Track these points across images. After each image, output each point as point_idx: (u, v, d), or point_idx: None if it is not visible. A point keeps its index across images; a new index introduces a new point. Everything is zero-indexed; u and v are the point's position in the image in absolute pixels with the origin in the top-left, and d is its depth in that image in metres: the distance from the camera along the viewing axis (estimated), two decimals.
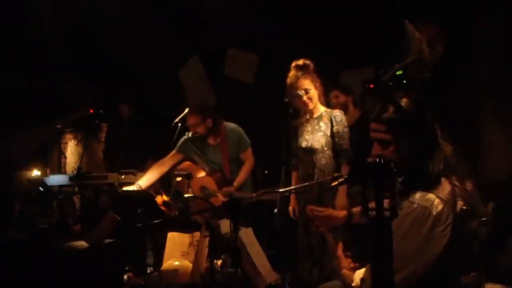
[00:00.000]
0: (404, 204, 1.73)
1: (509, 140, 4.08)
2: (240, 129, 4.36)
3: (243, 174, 4.26)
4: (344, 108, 4.34)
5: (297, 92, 3.61)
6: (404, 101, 1.87)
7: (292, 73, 3.70)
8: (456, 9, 4.25)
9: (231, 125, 4.36)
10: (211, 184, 4.19)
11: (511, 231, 3.67)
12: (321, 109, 3.76)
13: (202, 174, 4.28)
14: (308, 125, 3.76)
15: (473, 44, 4.27)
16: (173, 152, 4.38)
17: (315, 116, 3.74)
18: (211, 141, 4.30)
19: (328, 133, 3.67)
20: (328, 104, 3.93)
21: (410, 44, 4.34)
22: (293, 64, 3.71)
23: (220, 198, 4.12)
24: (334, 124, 3.65)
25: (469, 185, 1.84)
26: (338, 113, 3.71)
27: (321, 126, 3.69)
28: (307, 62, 3.69)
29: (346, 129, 3.66)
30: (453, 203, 1.75)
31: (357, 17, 4.72)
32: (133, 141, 5.51)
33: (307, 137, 3.72)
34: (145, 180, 4.27)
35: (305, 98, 3.65)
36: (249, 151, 4.33)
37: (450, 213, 1.73)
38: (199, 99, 6.12)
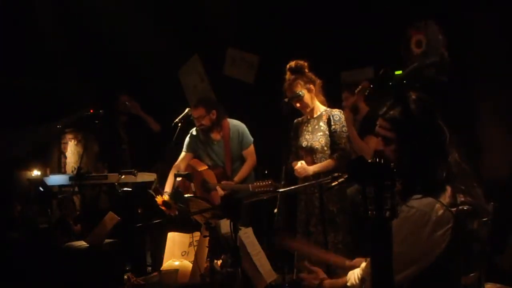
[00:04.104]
0: (404, 208, 1.70)
1: (509, 140, 4.08)
2: (243, 126, 4.43)
3: (244, 170, 4.31)
4: (355, 109, 4.32)
5: (288, 98, 3.62)
6: (414, 103, 1.83)
7: (286, 76, 3.71)
8: (456, 9, 4.25)
9: (234, 121, 4.44)
10: (212, 178, 4.25)
11: (511, 231, 3.67)
12: (321, 108, 3.76)
13: (204, 167, 4.35)
14: (309, 124, 3.76)
15: (472, 44, 4.26)
16: (183, 153, 4.49)
17: (315, 116, 3.75)
18: (214, 136, 4.37)
19: (328, 132, 3.67)
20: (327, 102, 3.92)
21: (431, 45, 4.34)
22: (287, 66, 3.71)
23: (220, 192, 4.16)
24: (332, 123, 3.66)
25: (473, 188, 1.82)
26: (336, 112, 3.71)
27: (321, 126, 3.69)
28: (300, 63, 3.69)
29: (344, 128, 3.65)
30: (455, 208, 1.73)
31: (357, 17, 4.71)
32: (132, 138, 5.52)
33: (307, 136, 3.73)
34: (168, 187, 4.33)
35: (297, 105, 3.67)
36: (251, 148, 4.39)
37: (451, 218, 1.72)
38: None
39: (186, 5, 5.73)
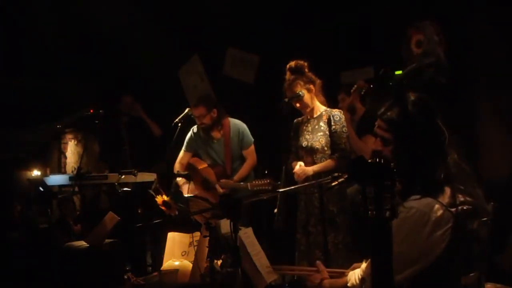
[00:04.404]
0: (403, 209, 1.70)
1: (509, 140, 4.08)
2: (244, 125, 4.45)
3: (243, 170, 4.34)
4: (351, 109, 4.34)
5: (288, 98, 3.62)
6: (412, 104, 1.83)
7: (286, 76, 3.72)
8: (455, 8, 4.25)
9: (235, 120, 4.46)
10: (212, 176, 4.30)
11: (511, 231, 3.67)
12: (321, 108, 3.76)
13: (204, 165, 4.40)
14: (309, 124, 3.77)
15: (472, 44, 4.26)
16: (182, 152, 4.51)
17: (315, 116, 3.75)
18: (215, 134, 4.40)
19: (328, 132, 3.67)
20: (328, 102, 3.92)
21: (428, 46, 4.34)
22: (287, 66, 3.72)
23: (219, 190, 4.17)
24: (332, 123, 3.66)
25: (473, 188, 1.82)
26: (336, 113, 3.71)
27: (321, 126, 3.70)
28: (300, 63, 3.70)
29: (344, 129, 3.66)
30: (454, 208, 1.73)
31: (357, 17, 4.72)
32: (132, 138, 5.53)
33: (307, 136, 3.73)
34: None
35: (297, 105, 3.68)
36: (252, 148, 4.40)
37: (451, 218, 1.72)
38: None
39: (186, 5, 5.73)
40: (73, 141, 7.13)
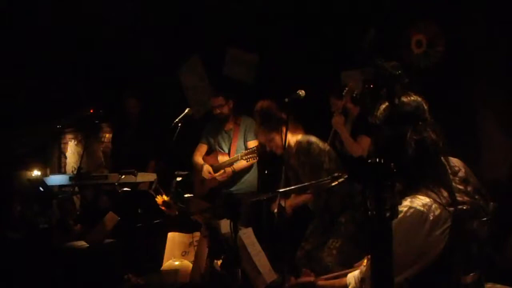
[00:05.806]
0: (400, 209, 1.70)
1: (509, 140, 4.08)
2: (254, 122, 4.54)
3: (242, 162, 4.48)
4: (345, 111, 4.34)
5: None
6: (401, 104, 1.84)
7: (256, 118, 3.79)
8: (456, 8, 4.25)
9: (247, 117, 4.68)
10: (216, 161, 4.66)
11: (511, 231, 3.67)
12: (291, 139, 3.67)
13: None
14: (294, 159, 3.73)
15: (472, 44, 4.26)
16: (200, 143, 4.84)
17: (294, 151, 3.67)
18: (228, 125, 4.69)
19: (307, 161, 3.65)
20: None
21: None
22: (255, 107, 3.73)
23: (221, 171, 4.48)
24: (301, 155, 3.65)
25: (471, 187, 1.82)
26: (303, 144, 3.64)
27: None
28: (266, 105, 3.67)
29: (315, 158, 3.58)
30: (452, 207, 1.73)
31: (357, 17, 4.71)
32: (138, 139, 5.54)
33: (300, 171, 3.72)
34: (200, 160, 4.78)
35: (272, 146, 3.68)
36: (255, 142, 4.47)
37: (449, 217, 1.72)
38: (198, 100, 6.14)
39: (186, 4, 5.73)
40: (73, 141, 7.12)
